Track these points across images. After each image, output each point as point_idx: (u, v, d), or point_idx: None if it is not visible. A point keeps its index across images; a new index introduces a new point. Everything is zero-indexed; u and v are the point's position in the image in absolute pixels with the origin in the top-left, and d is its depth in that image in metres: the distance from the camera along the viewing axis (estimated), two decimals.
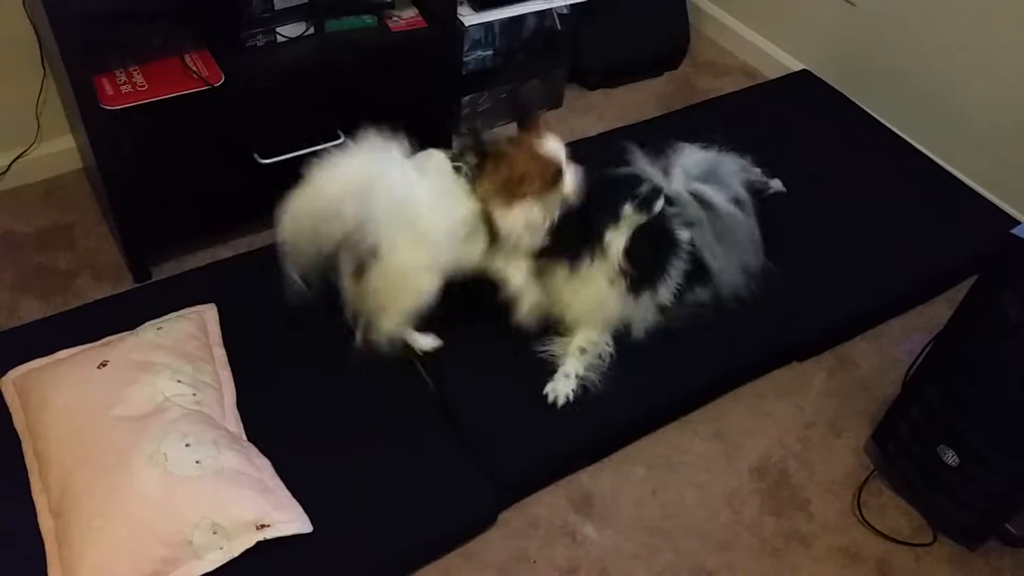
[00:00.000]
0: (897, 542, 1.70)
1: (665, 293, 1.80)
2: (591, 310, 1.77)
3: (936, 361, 1.63)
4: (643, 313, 1.80)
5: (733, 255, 1.84)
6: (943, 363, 1.61)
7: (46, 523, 1.46)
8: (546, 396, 1.73)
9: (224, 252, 2.07)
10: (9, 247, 2.05)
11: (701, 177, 1.85)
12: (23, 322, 1.85)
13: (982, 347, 1.52)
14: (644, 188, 1.72)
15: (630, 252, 1.69)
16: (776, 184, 2.13)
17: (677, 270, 1.78)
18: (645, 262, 1.72)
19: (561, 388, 1.74)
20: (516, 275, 1.71)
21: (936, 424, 1.62)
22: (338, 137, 2.00)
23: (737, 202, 1.84)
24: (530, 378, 1.75)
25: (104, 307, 1.84)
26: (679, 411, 1.85)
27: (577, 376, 1.75)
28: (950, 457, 1.60)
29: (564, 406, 1.72)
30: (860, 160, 2.39)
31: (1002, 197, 2.32)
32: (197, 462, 1.45)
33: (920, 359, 1.67)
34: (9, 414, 1.60)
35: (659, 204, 1.70)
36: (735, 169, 1.92)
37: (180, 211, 1.96)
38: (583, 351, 1.77)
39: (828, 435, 1.86)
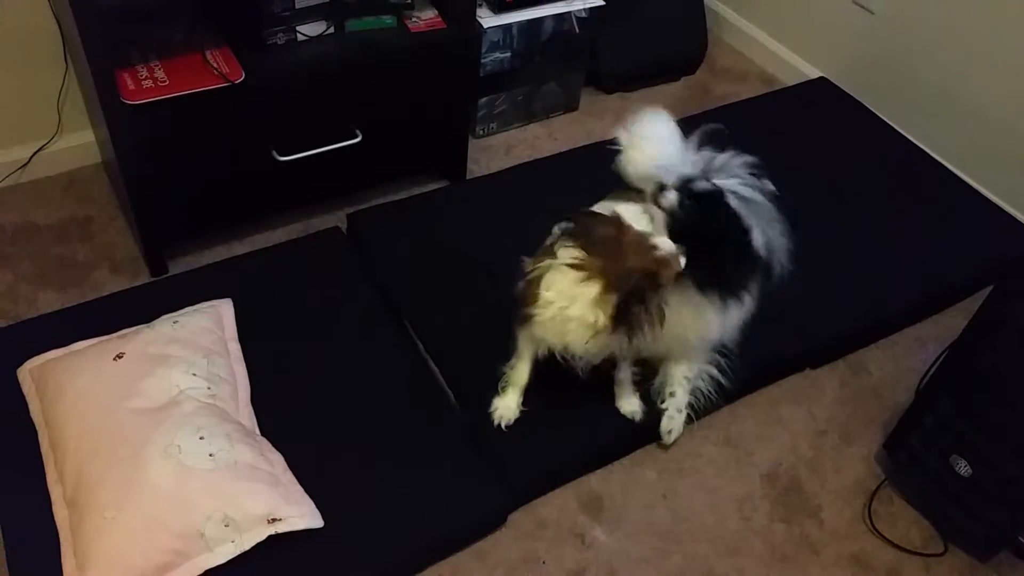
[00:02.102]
0: (907, 552, 1.69)
1: (747, 297, 1.68)
2: (685, 339, 1.69)
3: (950, 371, 1.62)
4: (734, 322, 1.70)
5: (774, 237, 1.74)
6: (957, 373, 1.60)
7: (60, 513, 1.47)
8: (661, 433, 1.75)
9: (240, 248, 2.08)
10: (28, 239, 2.07)
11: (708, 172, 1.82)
12: (40, 313, 1.87)
13: (997, 357, 1.51)
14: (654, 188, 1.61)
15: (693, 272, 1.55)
16: (767, 185, 2.10)
17: (747, 268, 1.64)
18: (718, 270, 1.59)
19: (676, 425, 1.74)
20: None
21: (949, 434, 1.61)
22: (356, 136, 2.01)
23: (751, 186, 1.80)
24: (542, 379, 1.75)
25: (121, 300, 1.86)
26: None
27: (689, 407, 1.75)
28: (963, 467, 1.59)
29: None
30: (876, 168, 2.38)
31: (1019, 208, 2.31)
32: (211, 455, 1.46)
33: (934, 368, 1.67)
34: (25, 404, 1.62)
35: (670, 196, 1.56)
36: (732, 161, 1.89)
37: (198, 206, 1.98)
38: (688, 380, 1.75)
39: (840, 443, 1.86)
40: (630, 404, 1.74)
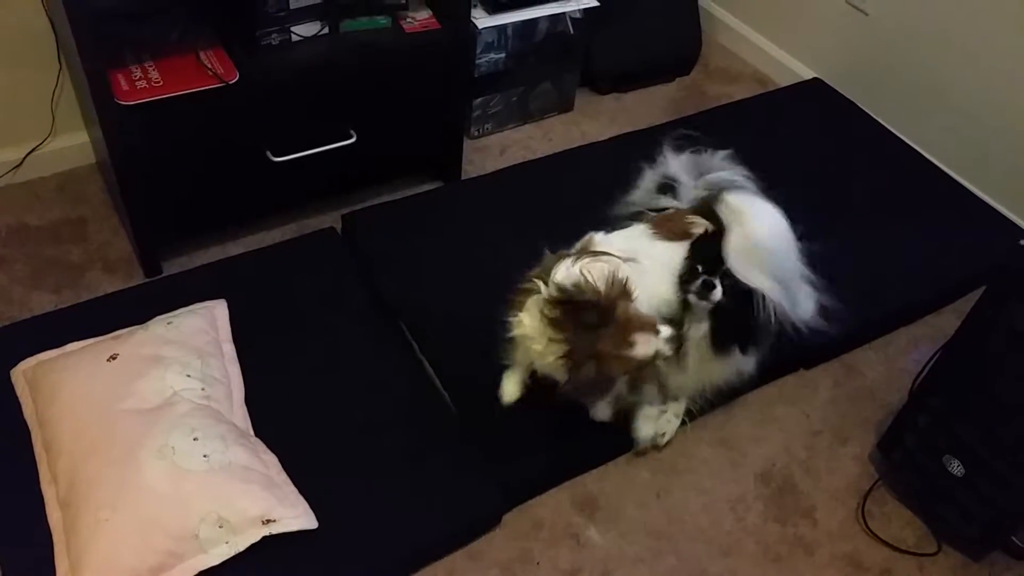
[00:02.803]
0: (901, 551, 1.69)
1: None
2: (711, 382, 1.73)
3: (943, 371, 1.63)
4: (752, 362, 1.74)
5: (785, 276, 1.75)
6: (950, 373, 1.61)
7: (54, 514, 1.46)
8: (655, 435, 1.76)
9: (235, 248, 2.08)
10: (22, 240, 2.06)
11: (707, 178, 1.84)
12: (34, 314, 1.86)
13: (990, 358, 1.52)
14: (697, 282, 1.58)
15: (716, 333, 1.61)
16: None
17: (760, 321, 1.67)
18: (735, 332, 1.63)
19: (670, 429, 1.77)
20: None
21: (942, 434, 1.62)
22: (350, 137, 2.01)
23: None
24: (537, 381, 1.75)
25: (115, 301, 1.86)
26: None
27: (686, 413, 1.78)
28: (956, 467, 1.60)
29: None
30: (870, 169, 2.39)
31: (1011, 208, 2.32)
32: (205, 456, 1.46)
33: (927, 369, 1.67)
34: (19, 405, 1.61)
35: (717, 293, 1.57)
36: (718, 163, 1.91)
37: (192, 207, 1.97)
38: (678, 416, 1.79)
39: (834, 443, 1.86)
40: (645, 429, 1.74)
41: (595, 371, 1.44)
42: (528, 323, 1.50)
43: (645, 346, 1.44)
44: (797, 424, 1.89)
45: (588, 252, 1.55)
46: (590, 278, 1.45)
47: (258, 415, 1.65)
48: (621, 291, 1.45)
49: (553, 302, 1.45)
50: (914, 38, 2.42)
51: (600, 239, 1.61)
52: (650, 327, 1.45)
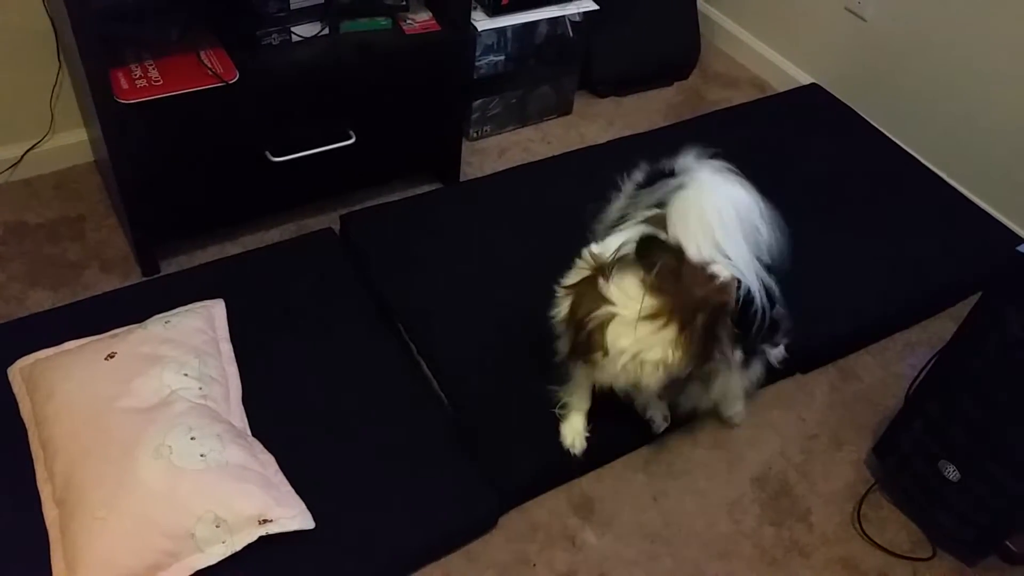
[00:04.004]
0: (896, 556, 1.70)
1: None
2: (723, 396, 1.76)
3: (939, 376, 1.63)
4: (757, 371, 1.77)
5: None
6: (946, 378, 1.61)
7: (50, 512, 1.46)
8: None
9: (233, 248, 2.08)
10: (19, 237, 2.06)
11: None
12: (31, 312, 1.86)
13: (986, 363, 1.52)
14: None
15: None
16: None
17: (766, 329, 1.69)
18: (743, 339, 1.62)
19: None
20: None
21: (938, 439, 1.62)
22: (349, 137, 2.02)
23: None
24: (534, 383, 1.75)
25: (112, 299, 1.85)
26: (683, 419, 1.86)
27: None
28: (951, 472, 1.60)
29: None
30: (866, 174, 2.40)
31: (1008, 214, 2.32)
32: (202, 455, 1.46)
33: (923, 374, 1.68)
34: (16, 403, 1.61)
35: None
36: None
37: (190, 206, 1.97)
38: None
39: (830, 447, 1.87)
40: (658, 411, 1.74)
41: (705, 323, 1.41)
42: (628, 341, 1.43)
43: (723, 271, 1.43)
44: (793, 428, 1.89)
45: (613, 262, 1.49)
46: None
47: (255, 415, 1.64)
48: (675, 250, 1.45)
49: (637, 284, 1.42)
50: (912, 44, 2.43)
51: (595, 247, 1.54)
52: (711, 264, 1.45)
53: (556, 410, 1.71)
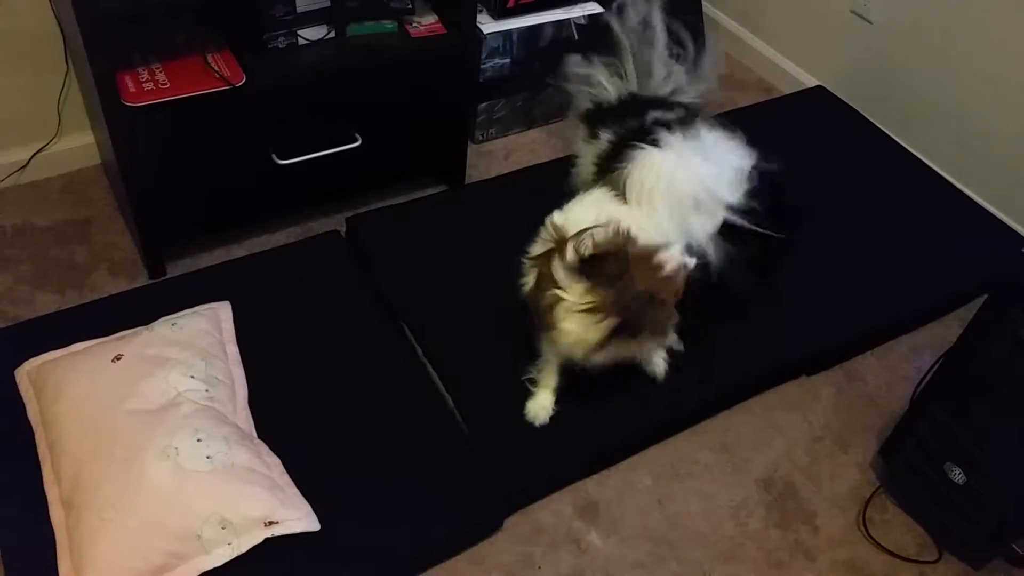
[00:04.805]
0: (902, 559, 1.70)
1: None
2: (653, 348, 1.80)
3: (945, 379, 1.63)
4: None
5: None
6: (952, 381, 1.61)
7: (57, 514, 1.47)
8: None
9: (239, 251, 2.08)
10: (27, 240, 2.07)
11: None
12: (39, 314, 1.87)
13: (992, 365, 1.52)
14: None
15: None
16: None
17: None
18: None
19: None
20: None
21: (944, 442, 1.62)
22: (355, 140, 2.02)
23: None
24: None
25: (119, 302, 1.86)
26: (688, 423, 1.86)
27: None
28: (957, 475, 1.60)
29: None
30: (872, 177, 2.39)
31: (1015, 217, 2.32)
32: (208, 457, 1.46)
33: (929, 376, 1.68)
34: (23, 405, 1.62)
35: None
36: None
37: (197, 208, 1.98)
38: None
39: (835, 450, 1.86)
40: (657, 364, 1.79)
41: (651, 311, 1.51)
42: (570, 325, 1.52)
43: (673, 261, 1.51)
44: (798, 430, 1.89)
45: (574, 235, 1.57)
46: (592, 240, 1.52)
47: (261, 417, 1.65)
48: (625, 237, 1.53)
49: (578, 264, 1.50)
50: (918, 46, 2.43)
51: (557, 217, 1.64)
52: (662, 250, 1.52)
53: (527, 384, 1.74)
